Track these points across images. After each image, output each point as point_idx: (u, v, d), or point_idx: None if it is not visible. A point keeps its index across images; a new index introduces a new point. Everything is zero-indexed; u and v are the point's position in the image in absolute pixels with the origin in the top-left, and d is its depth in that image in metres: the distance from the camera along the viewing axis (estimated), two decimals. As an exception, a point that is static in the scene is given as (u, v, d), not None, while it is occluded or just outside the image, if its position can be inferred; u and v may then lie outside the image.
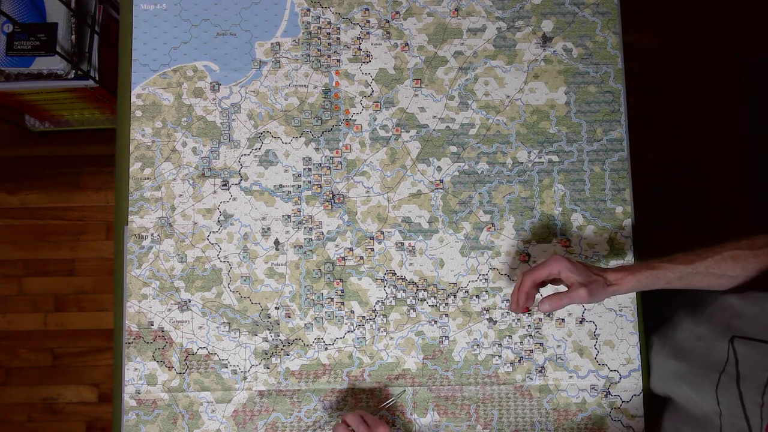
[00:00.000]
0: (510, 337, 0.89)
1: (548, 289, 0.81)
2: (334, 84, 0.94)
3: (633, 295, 0.90)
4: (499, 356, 0.89)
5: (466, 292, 0.90)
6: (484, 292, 0.90)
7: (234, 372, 0.88)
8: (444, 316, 0.89)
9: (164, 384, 0.88)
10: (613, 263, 0.90)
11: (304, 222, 0.91)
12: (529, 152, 0.93)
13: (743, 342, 0.70)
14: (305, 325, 0.89)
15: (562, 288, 0.80)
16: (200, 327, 0.89)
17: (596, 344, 0.89)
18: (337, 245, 0.91)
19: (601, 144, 0.93)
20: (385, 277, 0.90)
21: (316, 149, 0.92)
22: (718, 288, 0.74)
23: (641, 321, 0.90)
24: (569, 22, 0.95)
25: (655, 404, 0.90)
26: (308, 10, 0.95)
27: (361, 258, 0.90)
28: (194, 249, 0.90)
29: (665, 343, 0.87)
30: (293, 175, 0.92)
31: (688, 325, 0.83)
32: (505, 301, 0.90)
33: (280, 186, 0.92)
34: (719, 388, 0.70)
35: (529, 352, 0.89)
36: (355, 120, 0.93)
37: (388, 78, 0.94)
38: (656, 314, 0.95)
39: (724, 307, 0.76)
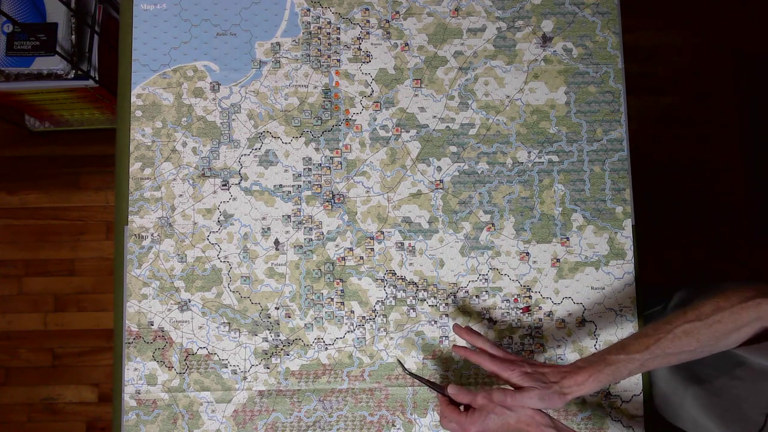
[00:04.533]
0: (510, 337, 0.89)
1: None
2: (334, 84, 0.94)
3: (633, 294, 0.90)
4: (499, 356, 0.89)
5: (466, 292, 0.90)
6: (484, 292, 0.90)
7: (234, 372, 0.88)
8: (444, 316, 0.89)
9: (164, 384, 0.88)
10: (613, 263, 0.90)
11: (304, 222, 0.91)
12: (529, 152, 0.93)
13: None
14: (305, 325, 0.89)
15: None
16: (200, 327, 0.89)
17: (596, 344, 0.89)
18: (337, 245, 0.91)
19: (601, 144, 0.93)
20: (385, 277, 0.90)
21: (316, 149, 0.92)
22: (675, 363, 0.73)
23: (641, 321, 0.90)
24: (569, 22, 0.95)
25: (655, 404, 0.90)
26: (308, 10, 0.95)
27: (361, 258, 0.90)
28: (194, 249, 0.90)
29: (680, 369, 0.86)
30: (293, 175, 0.92)
31: (718, 363, 0.82)
32: (505, 301, 0.90)
33: (280, 186, 0.92)
34: None
35: (529, 352, 0.89)
36: (355, 120, 0.93)
37: (388, 78, 0.94)
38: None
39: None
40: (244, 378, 0.88)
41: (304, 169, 0.92)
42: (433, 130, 0.93)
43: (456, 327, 0.82)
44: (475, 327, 0.89)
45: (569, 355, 0.89)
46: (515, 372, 0.71)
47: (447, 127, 0.93)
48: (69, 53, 1.37)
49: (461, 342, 0.87)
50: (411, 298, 0.90)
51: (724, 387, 0.79)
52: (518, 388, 0.70)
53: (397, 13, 0.95)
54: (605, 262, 0.91)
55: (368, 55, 0.94)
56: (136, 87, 0.93)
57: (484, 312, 0.90)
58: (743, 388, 0.76)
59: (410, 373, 0.83)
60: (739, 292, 0.69)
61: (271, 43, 0.94)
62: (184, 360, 0.88)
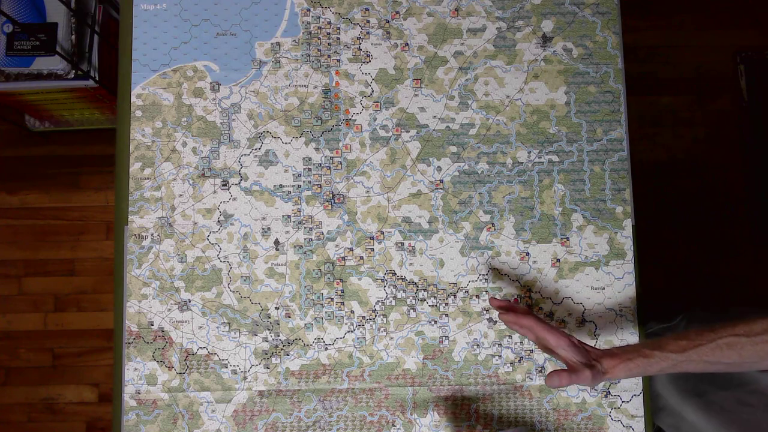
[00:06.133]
0: (510, 337, 0.89)
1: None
2: (334, 84, 0.94)
3: (633, 294, 0.90)
4: (499, 356, 0.89)
5: (466, 292, 0.90)
6: (484, 292, 0.90)
7: (234, 372, 0.88)
8: (444, 316, 0.89)
9: (164, 384, 0.88)
10: (613, 263, 0.90)
11: (304, 222, 0.91)
12: (529, 152, 0.93)
13: None
14: (305, 325, 0.89)
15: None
16: (200, 327, 0.89)
17: (596, 344, 0.89)
18: (337, 245, 0.91)
19: (601, 144, 0.93)
20: (385, 277, 0.90)
21: (316, 149, 0.92)
22: (712, 371, 0.72)
23: (641, 321, 0.89)
24: (569, 22, 0.95)
25: (654, 404, 0.90)
26: (308, 10, 0.95)
27: (361, 258, 0.90)
28: (194, 249, 0.90)
29: (690, 389, 0.87)
30: (293, 175, 0.92)
31: (729, 387, 0.82)
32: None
33: (280, 186, 0.92)
34: None
35: (529, 352, 0.89)
36: (355, 120, 0.93)
37: (388, 78, 0.94)
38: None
39: None
40: (244, 378, 0.88)
41: (304, 169, 0.92)
42: (433, 130, 0.93)
43: (493, 300, 0.81)
44: (476, 326, 0.89)
45: (569, 355, 0.89)
46: (564, 341, 0.71)
47: (447, 127, 0.93)
48: (69, 53, 1.37)
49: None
50: (411, 298, 0.90)
51: (736, 411, 0.79)
52: (570, 368, 0.70)
53: (397, 13, 0.95)
54: (605, 262, 0.91)
55: (368, 55, 0.94)
56: (136, 87, 0.93)
57: (484, 312, 0.90)
58: (753, 415, 0.76)
59: None
60: None
61: (271, 43, 0.94)
62: (184, 360, 0.88)
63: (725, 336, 0.68)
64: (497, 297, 0.86)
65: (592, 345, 0.82)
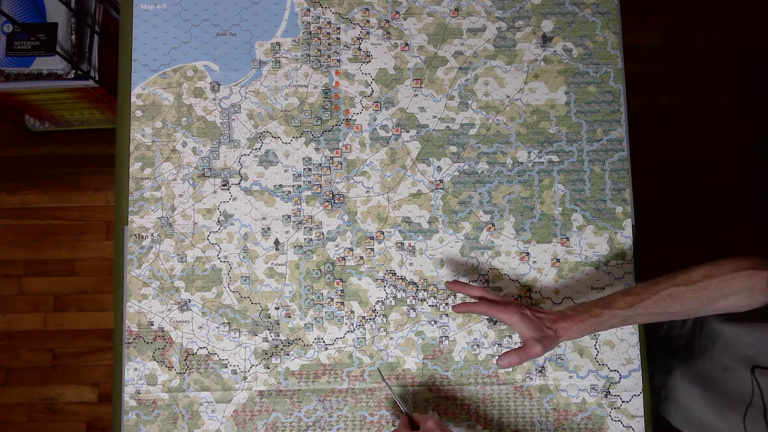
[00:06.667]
0: (510, 337, 0.89)
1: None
2: (334, 84, 0.94)
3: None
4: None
5: (466, 292, 0.90)
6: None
7: (234, 372, 0.88)
8: (444, 316, 0.89)
9: (164, 384, 0.88)
10: (613, 263, 0.90)
11: (304, 222, 0.91)
12: (529, 152, 0.93)
13: (764, 373, 0.71)
14: (305, 325, 0.89)
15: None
16: (200, 327, 0.89)
17: (596, 344, 0.89)
18: (337, 245, 0.91)
19: (601, 144, 0.93)
20: (385, 277, 0.90)
21: (316, 149, 0.92)
22: (660, 321, 0.75)
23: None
24: (569, 22, 0.95)
25: (654, 404, 0.90)
26: (308, 10, 0.95)
27: (361, 258, 0.90)
28: (194, 249, 0.90)
29: (688, 370, 0.88)
30: (293, 175, 0.92)
31: (713, 354, 0.84)
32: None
33: (280, 186, 0.92)
34: (746, 419, 0.72)
35: (529, 352, 0.89)
36: (355, 120, 0.93)
37: (388, 78, 0.94)
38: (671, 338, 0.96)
39: (742, 339, 0.78)
40: (244, 378, 0.88)
41: (304, 169, 0.92)
42: (433, 130, 0.93)
43: (448, 284, 0.84)
44: (476, 326, 0.89)
45: (569, 354, 0.89)
46: (515, 315, 0.74)
47: (447, 127, 0.93)
48: (69, 53, 1.37)
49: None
50: (411, 298, 0.90)
51: (719, 380, 0.81)
52: (523, 344, 0.74)
53: (397, 13, 0.95)
54: (605, 262, 0.91)
55: (368, 55, 0.94)
56: (136, 87, 0.93)
57: (484, 312, 0.90)
58: (732, 379, 0.78)
59: (387, 384, 0.86)
60: (734, 261, 0.72)
61: (271, 43, 0.94)
62: (184, 360, 0.88)
63: (667, 287, 0.72)
64: (457, 280, 0.87)
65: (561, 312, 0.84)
